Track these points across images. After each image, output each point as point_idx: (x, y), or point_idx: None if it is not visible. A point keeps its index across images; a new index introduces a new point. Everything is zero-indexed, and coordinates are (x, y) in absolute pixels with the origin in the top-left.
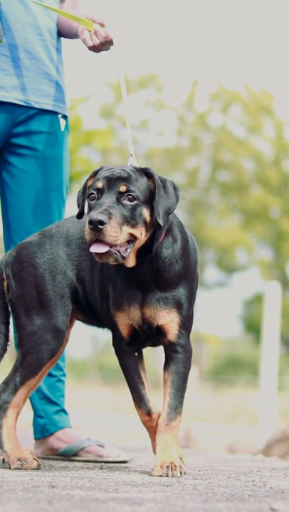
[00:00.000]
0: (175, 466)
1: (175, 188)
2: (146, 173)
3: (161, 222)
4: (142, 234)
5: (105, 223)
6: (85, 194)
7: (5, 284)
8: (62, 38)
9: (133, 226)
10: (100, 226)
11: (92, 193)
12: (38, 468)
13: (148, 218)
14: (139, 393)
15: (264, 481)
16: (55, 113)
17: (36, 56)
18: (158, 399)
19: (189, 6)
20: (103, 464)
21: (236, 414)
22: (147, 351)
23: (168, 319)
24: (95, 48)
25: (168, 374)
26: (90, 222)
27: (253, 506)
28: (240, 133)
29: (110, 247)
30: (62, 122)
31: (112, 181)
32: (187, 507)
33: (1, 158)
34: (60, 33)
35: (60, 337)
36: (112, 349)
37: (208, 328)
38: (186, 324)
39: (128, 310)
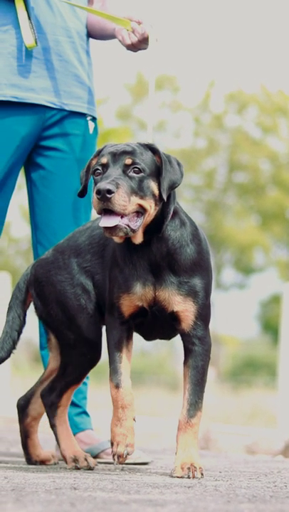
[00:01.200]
0: (195, 467)
1: (179, 164)
2: (151, 148)
3: (164, 195)
4: (151, 206)
5: (113, 192)
6: (88, 173)
7: (31, 300)
8: (90, 40)
9: (141, 197)
10: (107, 195)
11: (98, 169)
12: (91, 468)
13: (156, 191)
14: (115, 366)
15: (285, 482)
16: (84, 115)
17: (66, 58)
18: (178, 399)
19: (205, 7)
20: (124, 465)
21: (255, 416)
22: (166, 353)
23: (183, 307)
24: (134, 47)
25: (186, 368)
26: (98, 191)
27: (275, 507)
28: (256, 134)
29: (120, 218)
30: (91, 125)
31: (117, 155)
32: (209, 508)
33: (30, 160)
34: (91, 35)
35: (95, 347)
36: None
37: (225, 329)
38: (202, 315)
39: (141, 291)
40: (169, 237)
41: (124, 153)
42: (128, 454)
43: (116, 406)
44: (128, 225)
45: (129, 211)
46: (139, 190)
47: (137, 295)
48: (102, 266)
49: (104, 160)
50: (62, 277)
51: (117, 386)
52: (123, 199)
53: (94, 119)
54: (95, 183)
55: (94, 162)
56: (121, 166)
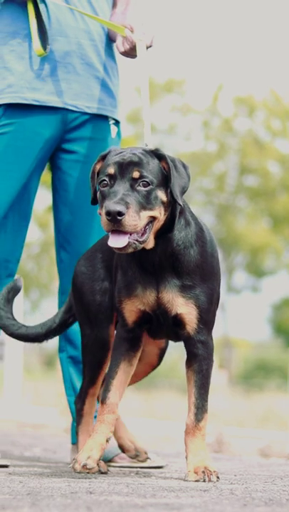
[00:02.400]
0: (210, 471)
1: (185, 167)
2: (156, 154)
3: (180, 202)
4: (160, 213)
5: (124, 214)
6: (94, 180)
7: None
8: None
9: (151, 209)
10: (118, 217)
11: (104, 180)
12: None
13: (164, 199)
14: (108, 380)
15: None
16: (107, 119)
17: (88, 61)
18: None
19: (213, 12)
20: (139, 469)
21: (267, 419)
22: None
23: (186, 309)
24: (127, 54)
25: (190, 372)
26: (108, 213)
27: None
28: (266, 137)
29: (130, 236)
30: (113, 129)
31: (124, 166)
32: None
33: (52, 163)
34: (110, 39)
35: (103, 347)
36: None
37: (237, 333)
38: (205, 319)
39: (142, 294)
40: (174, 238)
41: (132, 163)
42: (86, 465)
43: (97, 419)
44: (137, 240)
45: (140, 228)
46: (148, 204)
47: (139, 298)
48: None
49: (111, 170)
50: (85, 269)
51: (103, 401)
52: (133, 219)
53: (117, 122)
54: (102, 195)
55: (98, 167)
56: (129, 180)
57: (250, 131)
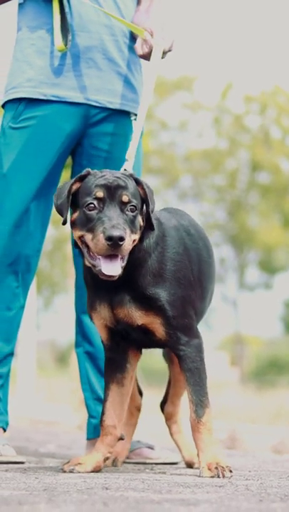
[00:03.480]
0: (223, 467)
1: (152, 192)
2: (134, 179)
3: (155, 227)
4: (137, 238)
5: (124, 239)
6: (68, 199)
7: None
8: None
9: (135, 233)
10: (120, 242)
11: (91, 203)
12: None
13: (141, 223)
14: (102, 404)
15: None
16: (129, 114)
17: (110, 56)
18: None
19: (224, 8)
20: (153, 465)
21: (280, 416)
22: None
23: (147, 320)
24: (144, 57)
25: (182, 371)
26: (110, 238)
27: None
28: (277, 134)
29: (121, 261)
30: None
31: (112, 190)
32: (242, 507)
33: (73, 159)
34: (133, 35)
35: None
36: (155, 351)
37: (249, 330)
38: (175, 325)
39: (100, 309)
40: (134, 250)
41: (119, 187)
42: (73, 470)
43: (98, 439)
44: (121, 265)
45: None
46: (134, 228)
47: (100, 314)
48: None
49: (100, 194)
50: None
51: (101, 423)
52: (128, 243)
53: None
54: (88, 218)
55: (74, 188)
56: (118, 203)
57: (261, 127)
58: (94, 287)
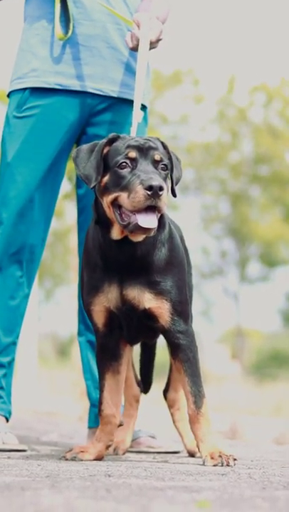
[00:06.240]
0: (226, 455)
1: (179, 160)
2: (161, 142)
3: (176, 192)
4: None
5: (164, 189)
6: (101, 159)
7: None
8: None
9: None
10: (159, 192)
11: (124, 162)
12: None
13: (169, 188)
14: (100, 393)
15: None
16: (132, 104)
17: (113, 45)
18: (205, 391)
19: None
20: (155, 454)
21: (280, 408)
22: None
23: (155, 304)
24: (134, 50)
25: (178, 363)
26: (150, 187)
27: None
28: (280, 126)
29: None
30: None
31: (144, 150)
32: (245, 495)
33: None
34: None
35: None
36: (159, 343)
37: (250, 323)
38: (179, 311)
39: (108, 290)
40: (156, 236)
41: (151, 148)
42: (74, 458)
43: (98, 428)
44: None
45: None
46: (166, 186)
47: (104, 295)
48: None
49: (132, 154)
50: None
51: (100, 413)
52: (165, 196)
53: (144, 107)
54: (120, 176)
55: (105, 151)
56: (152, 162)
57: (264, 119)
58: (103, 268)
